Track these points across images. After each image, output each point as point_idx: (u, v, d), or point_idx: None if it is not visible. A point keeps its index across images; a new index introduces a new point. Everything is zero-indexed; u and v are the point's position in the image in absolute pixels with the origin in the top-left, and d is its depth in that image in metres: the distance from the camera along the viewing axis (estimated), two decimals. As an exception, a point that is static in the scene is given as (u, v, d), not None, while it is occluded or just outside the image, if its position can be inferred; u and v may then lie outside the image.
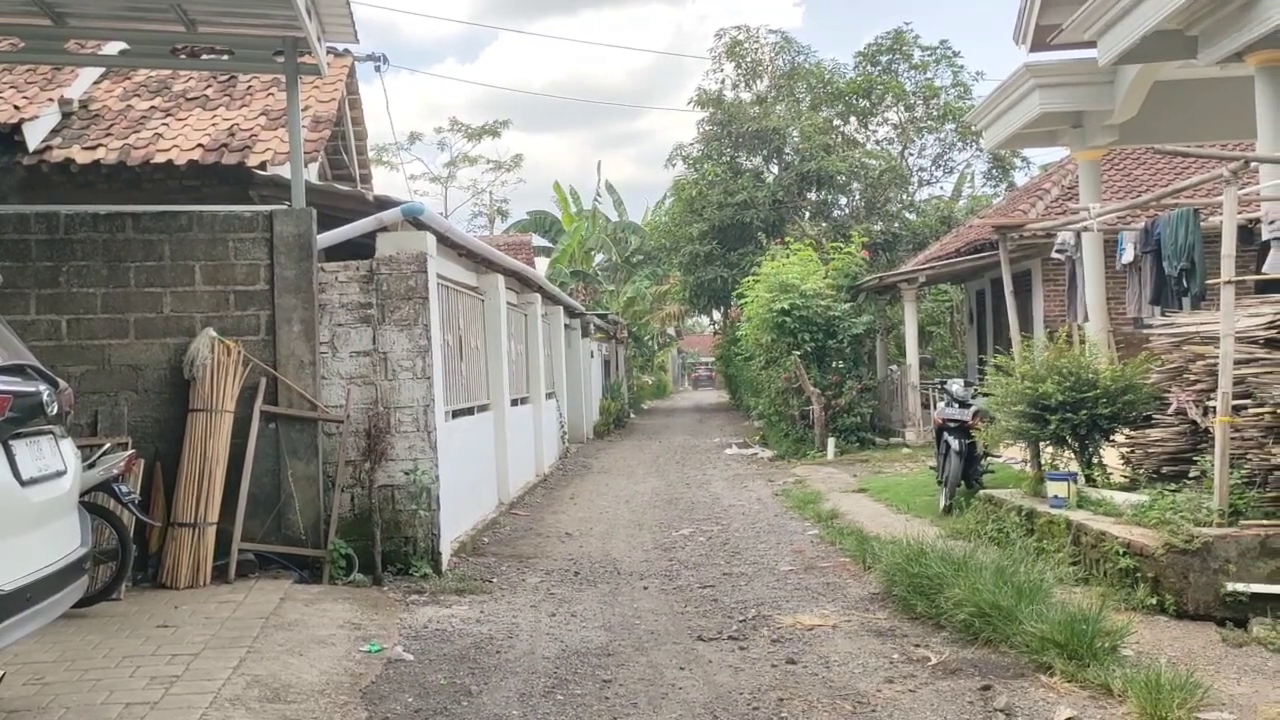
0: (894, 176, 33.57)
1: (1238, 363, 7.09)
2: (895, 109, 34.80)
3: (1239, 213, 7.39)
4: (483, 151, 51.58)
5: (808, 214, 33.13)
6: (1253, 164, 8.14)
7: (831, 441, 19.38)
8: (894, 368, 23.23)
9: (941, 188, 36.12)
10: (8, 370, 4.83)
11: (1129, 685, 5.19)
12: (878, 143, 35.58)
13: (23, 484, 4.60)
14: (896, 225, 32.80)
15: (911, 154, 35.34)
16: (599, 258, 44.65)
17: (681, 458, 20.82)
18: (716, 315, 42.69)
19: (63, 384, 5.32)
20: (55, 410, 5.04)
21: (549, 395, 19.29)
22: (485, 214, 52.71)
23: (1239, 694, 5.28)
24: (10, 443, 4.57)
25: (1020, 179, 33.21)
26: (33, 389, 4.87)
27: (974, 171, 35.89)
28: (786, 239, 26.34)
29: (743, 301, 23.07)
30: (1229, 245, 7.00)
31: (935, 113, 34.33)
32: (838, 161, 32.14)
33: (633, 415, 35.33)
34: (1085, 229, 10.60)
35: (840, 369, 20.45)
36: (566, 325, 23.11)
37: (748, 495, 14.52)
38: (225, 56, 9.85)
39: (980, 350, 21.76)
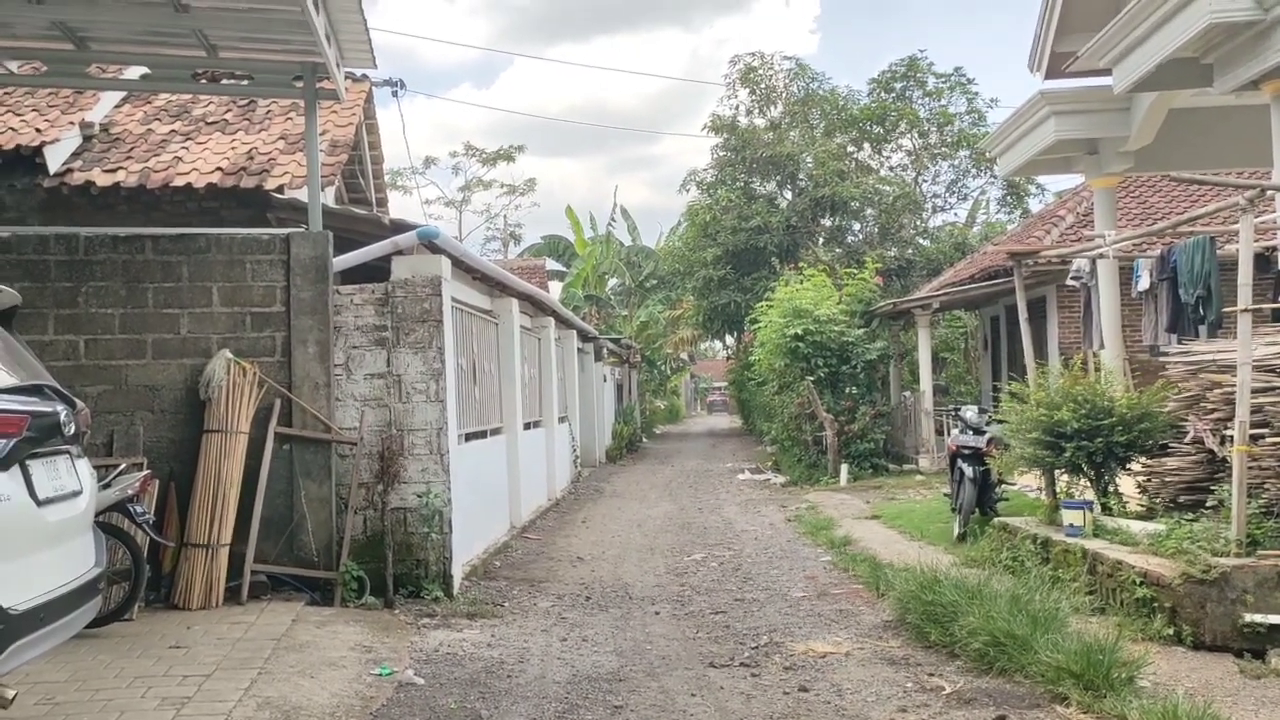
0: (908, 203, 33.59)
1: (1255, 391, 7.04)
2: (909, 135, 34.85)
3: (1254, 241, 7.37)
4: (497, 176, 51.96)
5: (821, 239, 33.18)
6: (1269, 192, 8.12)
7: (845, 467, 19.31)
8: (907, 394, 23.15)
9: (956, 214, 36.11)
10: (25, 390, 4.85)
11: (1146, 717, 5.13)
12: (891, 169, 35.63)
13: (39, 504, 4.62)
14: (910, 251, 32.77)
15: (925, 180, 35.37)
16: (612, 282, 44.76)
17: (694, 482, 20.78)
18: (730, 340, 42.70)
19: (80, 404, 5.34)
20: (72, 430, 5.06)
21: (562, 419, 19.30)
22: (499, 238, 52.98)
23: (1258, 727, 5.23)
24: (27, 462, 4.59)
25: (1034, 205, 33.19)
26: (50, 409, 4.89)
27: (988, 198, 35.91)
28: (800, 264, 26.36)
29: (756, 326, 23.07)
30: (1246, 273, 6.97)
31: (949, 139, 34.35)
32: (851, 188, 32.20)
33: (645, 440, 35.30)
34: (1101, 256, 10.57)
35: (854, 395, 20.41)
36: (580, 349, 23.14)
37: (760, 521, 14.46)
38: (245, 81, 9.96)
39: (995, 377, 21.66)
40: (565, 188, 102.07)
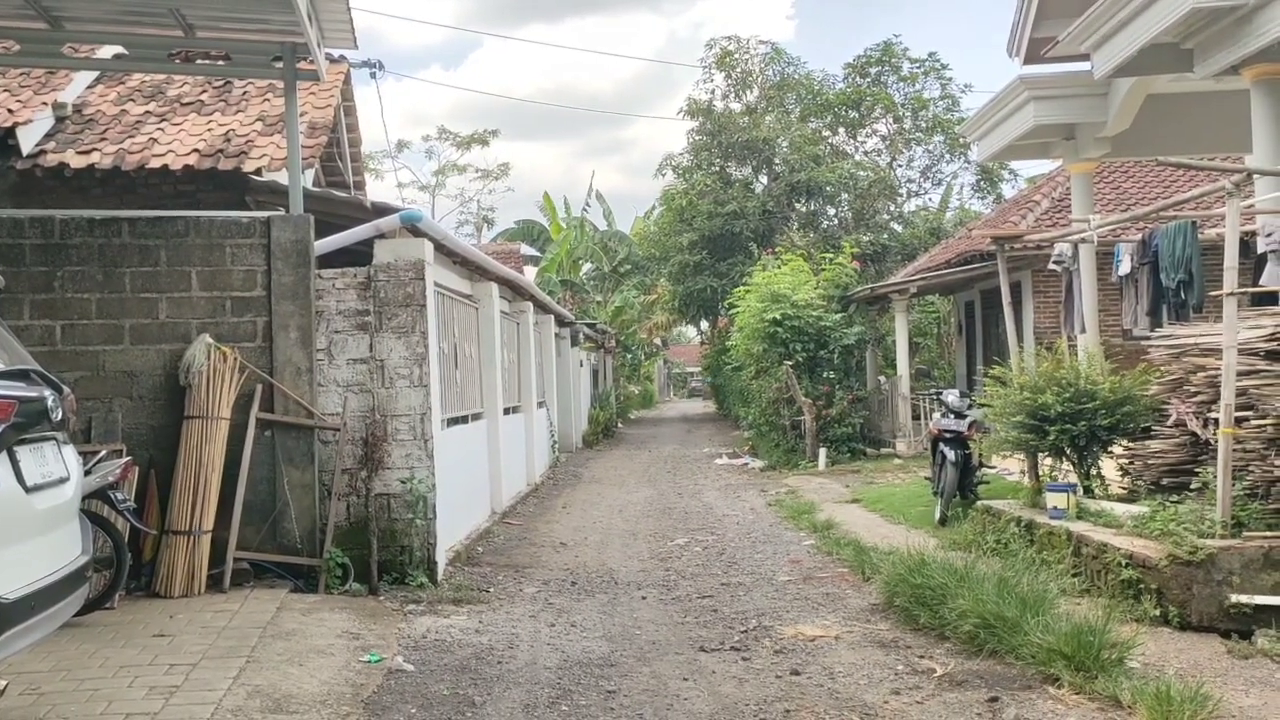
0: (883, 188, 33.67)
1: (1239, 374, 7.09)
2: (884, 120, 34.93)
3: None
4: (471, 160, 51.58)
5: (797, 225, 33.21)
6: (1252, 177, 8.18)
7: (823, 452, 19.38)
8: (881, 379, 23.22)
9: (930, 199, 36.22)
10: (12, 375, 4.75)
11: (1138, 697, 5.18)
12: (866, 154, 35.69)
13: (27, 490, 4.52)
14: (885, 236, 32.89)
15: (900, 165, 35.47)
16: (587, 267, 44.60)
17: (672, 467, 20.78)
18: (704, 325, 42.72)
19: (66, 389, 5.24)
20: (59, 416, 4.96)
21: (540, 404, 19.23)
22: (473, 222, 52.65)
23: (1248, 706, 5.27)
24: (15, 449, 4.49)
25: (1008, 191, 33.39)
26: (37, 394, 4.79)
27: (960, 183, 36.05)
28: (777, 249, 26.38)
29: (733, 311, 23.06)
30: (1232, 258, 7.02)
31: (924, 124, 34.46)
32: (827, 172, 32.25)
33: (620, 425, 35.28)
34: (1084, 240, 10.62)
35: (831, 379, 20.47)
36: (557, 334, 23.07)
37: (741, 505, 14.49)
38: (222, 62, 9.79)
39: (970, 361, 21.79)
40: (537, 172, 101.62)
